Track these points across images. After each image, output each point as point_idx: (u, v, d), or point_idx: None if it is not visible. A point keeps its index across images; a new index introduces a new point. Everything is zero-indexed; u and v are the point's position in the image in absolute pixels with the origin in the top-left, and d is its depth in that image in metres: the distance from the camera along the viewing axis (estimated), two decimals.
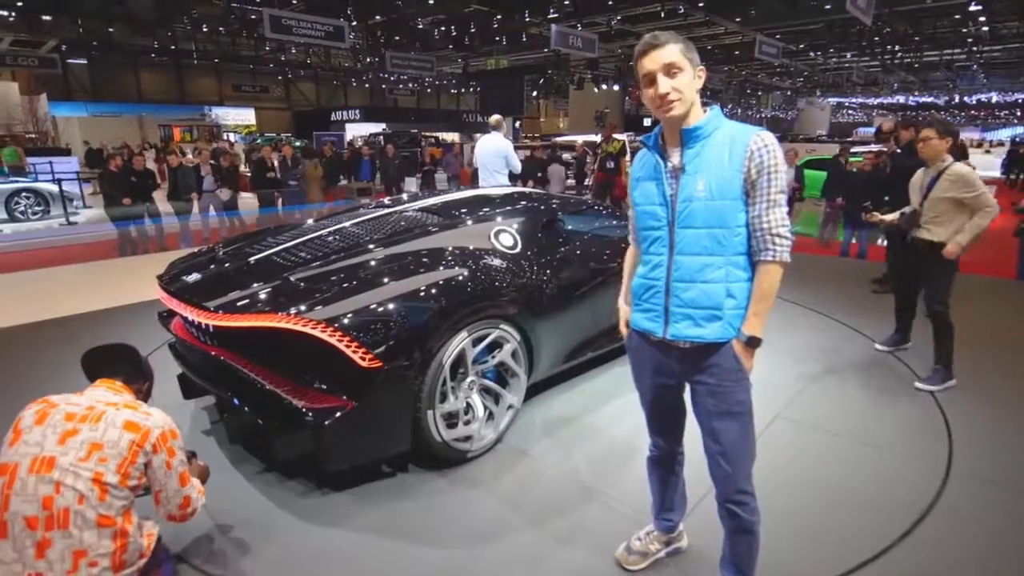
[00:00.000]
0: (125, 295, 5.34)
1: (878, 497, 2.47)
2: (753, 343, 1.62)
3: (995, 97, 37.22)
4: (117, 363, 1.93)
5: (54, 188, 11.28)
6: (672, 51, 1.54)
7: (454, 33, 21.39)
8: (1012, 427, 3.03)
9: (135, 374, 1.95)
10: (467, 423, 2.67)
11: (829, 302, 5.15)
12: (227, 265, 2.85)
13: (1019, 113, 42.11)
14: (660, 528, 2.07)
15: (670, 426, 1.91)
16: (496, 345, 2.75)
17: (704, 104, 1.65)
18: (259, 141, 22.61)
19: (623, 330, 1.89)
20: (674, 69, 1.54)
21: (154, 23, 22.17)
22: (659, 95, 1.55)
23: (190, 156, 9.65)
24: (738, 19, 18.23)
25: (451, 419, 2.61)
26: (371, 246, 2.84)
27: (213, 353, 2.56)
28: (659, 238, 1.66)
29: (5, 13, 19.37)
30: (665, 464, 1.97)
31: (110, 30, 23.47)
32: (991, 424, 3.07)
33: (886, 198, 4.84)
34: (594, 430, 3.01)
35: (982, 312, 4.90)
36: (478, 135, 9.12)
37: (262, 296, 2.44)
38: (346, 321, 2.26)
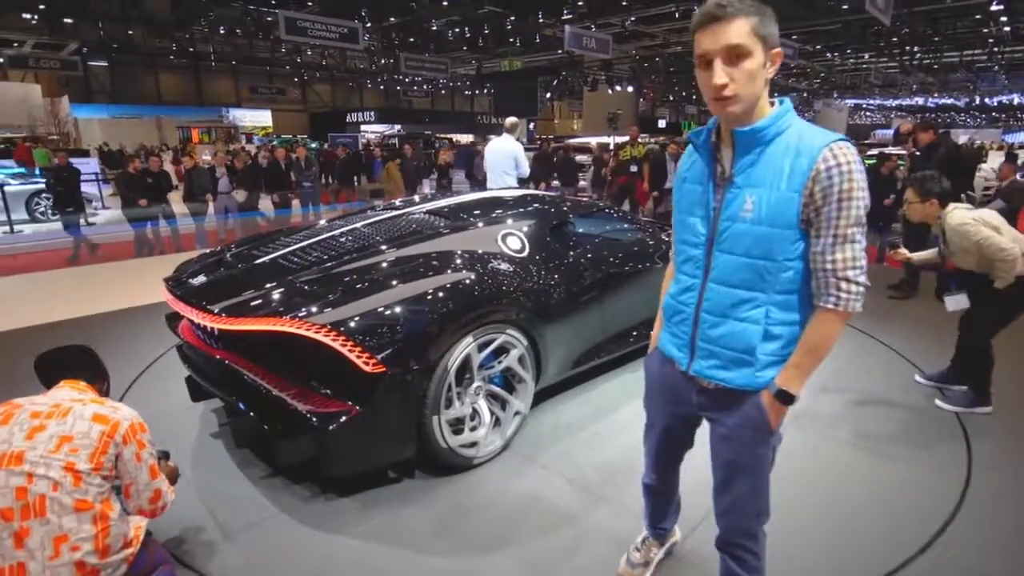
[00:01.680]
0: (139, 296, 5.39)
1: (894, 511, 2.40)
2: (784, 399, 1.35)
3: (1016, 99, 36.50)
4: (78, 366, 1.91)
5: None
6: (740, 28, 1.20)
7: (468, 35, 21.47)
8: None
9: (96, 376, 1.93)
10: (473, 429, 2.65)
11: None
12: (233, 268, 2.85)
13: None
14: (654, 536, 2.02)
15: (670, 463, 1.77)
16: (503, 350, 2.72)
17: (771, 97, 1.32)
18: (275, 143, 22.83)
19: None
20: (738, 53, 1.21)
21: (173, 26, 22.52)
22: (714, 85, 1.23)
23: (207, 157, 9.75)
24: None
25: (457, 425, 2.59)
26: (377, 249, 2.82)
27: (218, 356, 2.56)
28: (693, 257, 1.42)
29: (28, 16, 19.79)
30: (663, 493, 1.89)
31: (130, 33, 23.86)
32: (1011, 436, 2.98)
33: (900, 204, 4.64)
34: (602, 438, 2.97)
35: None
36: (492, 137, 9.12)
37: (267, 300, 2.43)
38: (351, 325, 2.25)
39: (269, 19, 19.70)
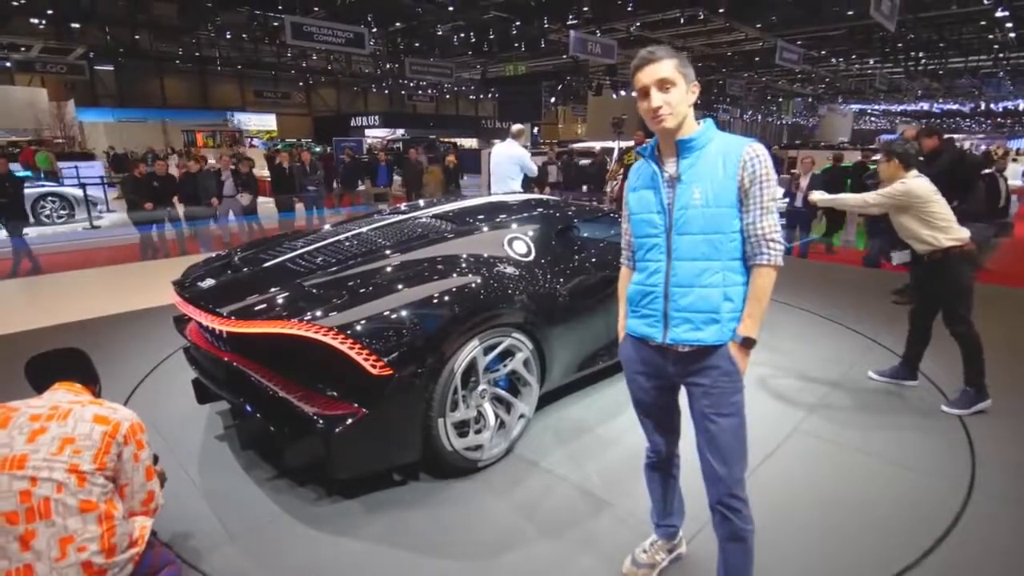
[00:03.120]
0: (144, 299, 5.42)
1: (897, 516, 2.40)
2: (748, 344, 1.67)
3: (1022, 104, 36.40)
4: (70, 368, 1.91)
5: (79, 192, 11.52)
6: (666, 66, 1.60)
7: (473, 39, 21.53)
8: None
9: (88, 378, 1.93)
10: (478, 432, 2.65)
11: (847, 312, 5.05)
12: (241, 271, 2.87)
13: None
14: (663, 536, 2.08)
15: (665, 427, 1.93)
16: (508, 354, 2.73)
17: (700, 117, 1.71)
18: (279, 147, 22.93)
19: None
20: (667, 84, 1.60)
21: (179, 30, 22.68)
22: (651, 108, 1.62)
23: (212, 161, 9.77)
24: (759, 25, 18.11)
25: (462, 428, 2.60)
26: (384, 252, 2.84)
27: (226, 359, 2.57)
28: (656, 245, 1.71)
29: (36, 21, 19.93)
30: (663, 468, 1.99)
31: (136, 37, 24.04)
32: (1015, 441, 2.97)
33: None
34: (606, 441, 2.97)
35: (1006, 325, 4.77)
36: (496, 141, 9.17)
37: (274, 302, 2.45)
38: (357, 328, 2.26)
39: (275, 24, 19.81)
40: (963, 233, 3.18)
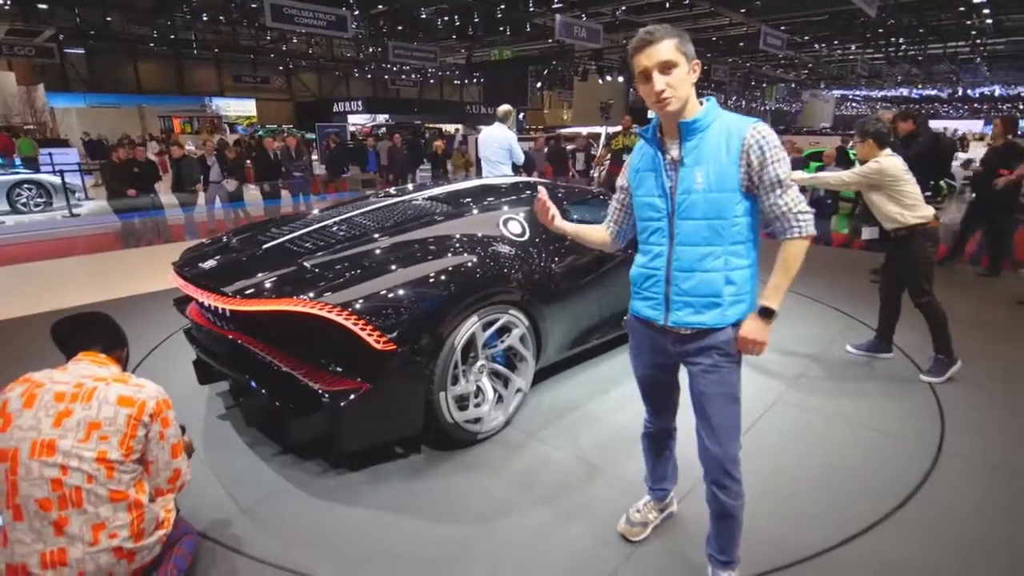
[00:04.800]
0: (128, 287, 5.40)
1: (871, 476, 2.55)
2: (766, 314, 1.65)
3: (998, 90, 37.06)
4: (94, 334, 1.85)
5: (56, 180, 11.29)
6: (667, 47, 1.56)
7: (457, 23, 21.32)
8: (1002, 409, 3.12)
9: (114, 342, 1.87)
10: (477, 405, 2.75)
11: (829, 292, 5.21)
12: (242, 252, 2.91)
13: (1022, 106, 41.93)
14: (655, 498, 2.19)
15: (663, 402, 2.00)
16: (505, 330, 2.82)
17: (701, 96, 1.68)
18: (260, 133, 22.59)
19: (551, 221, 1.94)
20: (669, 66, 1.57)
21: (152, 12, 22.11)
22: (654, 92, 1.59)
23: (192, 147, 9.66)
24: (743, 10, 18.19)
25: (462, 401, 2.69)
26: (384, 233, 2.90)
27: (230, 337, 2.62)
28: (659, 229, 1.70)
29: (1, 2, 19.29)
30: (659, 439, 2.07)
31: (108, 19, 23.40)
32: (982, 405, 3.16)
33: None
34: (599, 415, 3.08)
35: (973, 301, 4.97)
36: (481, 127, 9.17)
37: (278, 281, 2.50)
38: (361, 305, 2.32)
39: (253, 6, 19.44)
40: (928, 211, 3.35)
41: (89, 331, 1.85)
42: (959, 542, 2.14)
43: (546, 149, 11.60)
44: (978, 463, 2.64)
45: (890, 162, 3.31)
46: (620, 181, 1.90)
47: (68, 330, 1.84)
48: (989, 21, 18.42)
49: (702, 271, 1.65)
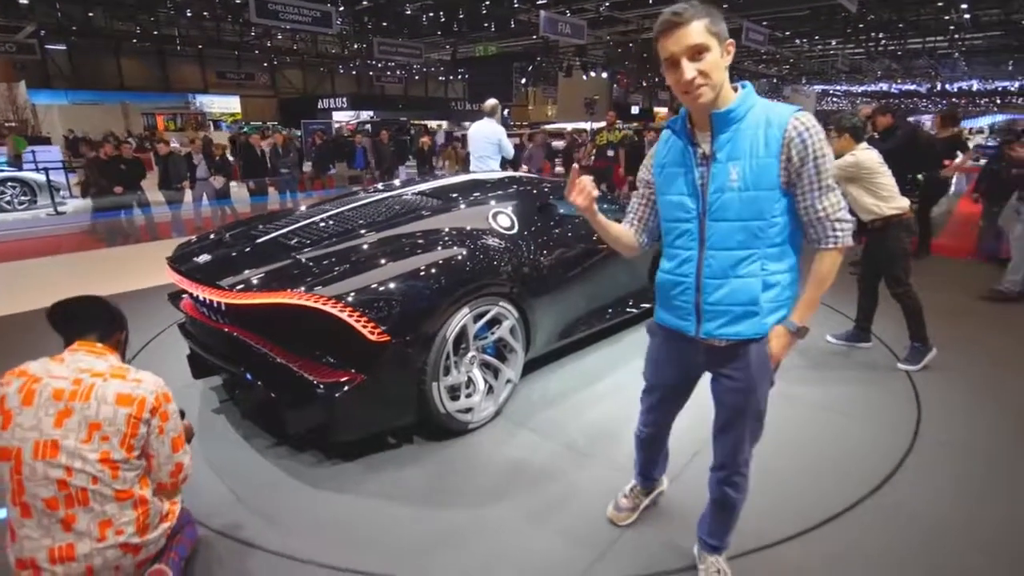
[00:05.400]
0: (117, 284, 5.38)
1: (850, 460, 2.65)
2: (801, 333, 1.54)
3: (976, 85, 37.67)
4: (88, 320, 1.79)
5: (41, 178, 11.17)
6: (696, 30, 1.36)
7: (442, 19, 21.29)
8: (975, 395, 3.25)
9: (110, 327, 1.82)
10: (469, 396, 2.81)
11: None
12: (235, 247, 2.95)
13: (999, 101, 42.68)
14: (643, 484, 2.21)
15: (672, 411, 1.93)
16: (495, 322, 2.89)
17: (735, 81, 1.50)
18: (245, 130, 22.37)
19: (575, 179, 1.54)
20: (700, 50, 1.38)
21: (135, 8, 21.84)
22: (684, 82, 1.40)
23: (176, 144, 9.60)
24: (725, 5, 18.32)
25: (454, 392, 2.75)
26: (376, 228, 2.95)
27: (225, 331, 2.67)
28: (688, 231, 1.54)
29: None
30: (657, 440, 2.04)
31: (90, 15, 23.06)
32: (956, 392, 3.28)
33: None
34: (588, 404, 3.16)
35: (950, 290, 5.12)
36: (467, 123, 9.24)
37: (273, 275, 2.55)
38: (355, 297, 2.38)
39: (238, 1, 19.27)
40: (904, 203, 3.47)
41: (85, 316, 1.80)
42: (932, 524, 2.24)
43: (531, 145, 11.67)
44: (952, 448, 2.75)
45: (866, 155, 3.42)
46: (643, 174, 1.73)
47: (64, 315, 1.80)
48: (967, 16, 18.74)
49: (736, 277, 1.50)
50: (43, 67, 25.96)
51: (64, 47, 26.40)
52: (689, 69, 1.39)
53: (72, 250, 7.47)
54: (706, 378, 1.78)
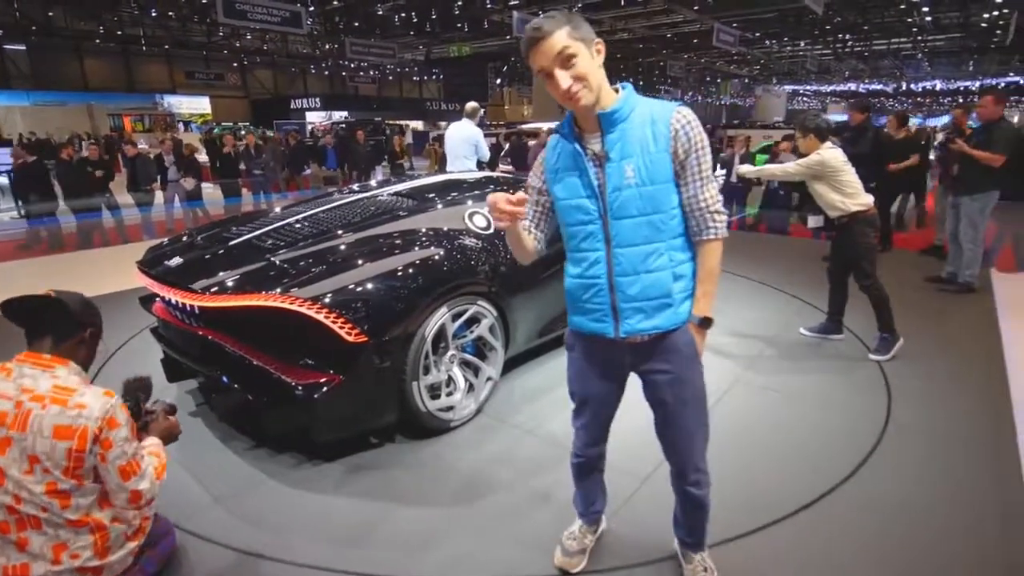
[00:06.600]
0: (85, 288, 5.24)
1: (823, 448, 2.72)
2: (706, 324, 1.58)
3: (939, 85, 38.82)
4: (38, 325, 1.62)
5: (3, 180, 10.82)
6: (559, 39, 1.39)
7: (415, 19, 21.18)
8: (941, 383, 3.36)
9: (66, 330, 1.63)
10: (449, 394, 2.82)
11: (783, 278, 5.46)
12: (208, 249, 2.91)
13: (960, 100, 44.02)
14: (588, 522, 2.06)
15: (605, 424, 1.85)
16: (474, 320, 2.89)
17: (615, 83, 1.53)
18: (216, 131, 21.97)
19: (502, 205, 1.44)
20: (568, 57, 1.40)
21: (98, 6, 21.26)
22: (564, 91, 1.43)
23: (145, 146, 9.38)
24: (696, 7, 18.59)
25: (434, 391, 2.75)
26: (352, 229, 2.93)
27: (200, 334, 2.63)
28: (592, 233, 1.55)
29: None
30: (593, 466, 1.94)
31: (50, 14, 22.41)
32: (924, 380, 3.39)
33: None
34: (566, 399, 3.10)
35: (911, 282, 5.30)
36: (443, 123, 9.24)
37: (247, 277, 2.52)
38: (332, 298, 2.36)
39: (204, 1, 18.91)
40: (868, 199, 3.58)
41: (35, 321, 1.63)
42: (905, 510, 2.30)
43: (508, 145, 11.70)
44: (921, 433, 2.84)
45: (831, 154, 3.52)
46: (533, 181, 1.70)
47: (17, 315, 1.64)
48: (928, 19, 19.32)
49: (647, 272, 1.52)
50: (2, 67, 25.17)
51: (23, 47, 25.59)
52: (564, 78, 1.41)
53: (39, 254, 7.28)
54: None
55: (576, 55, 1.40)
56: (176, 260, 2.80)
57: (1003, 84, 33.05)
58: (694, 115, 1.50)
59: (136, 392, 1.88)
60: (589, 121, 1.51)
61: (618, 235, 1.51)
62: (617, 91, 1.51)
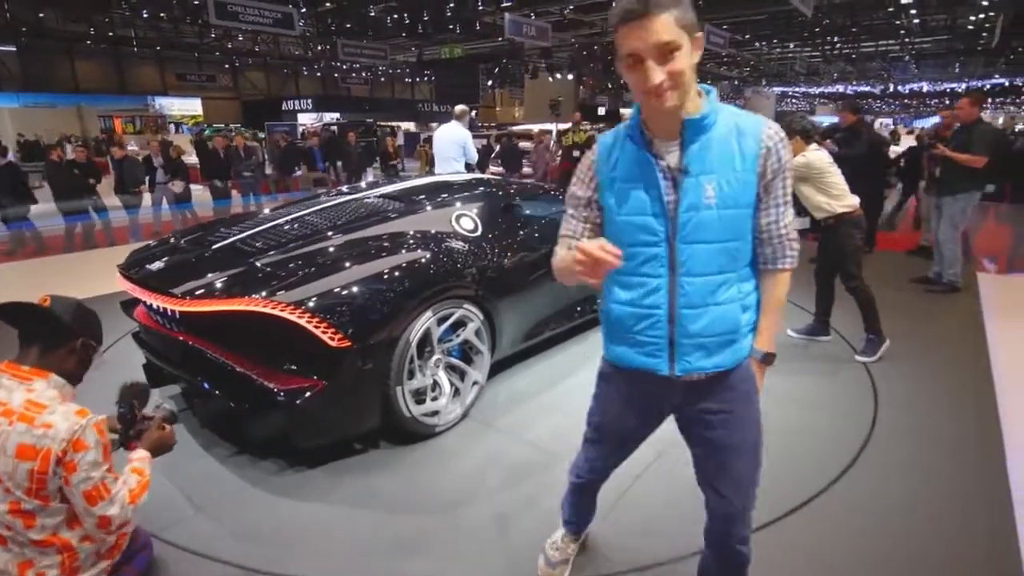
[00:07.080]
0: (70, 291, 5.19)
1: (811, 450, 2.72)
2: (769, 360, 1.42)
3: (926, 87, 39.13)
4: (31, 332, 1.59)
5: None
6: (665, 24, 1.13)
7: (407, 21, 21.15)
8: (926, 383, 3.37)
9: (53, 340, 1.59)
10: (434, 399, 2.80)
11: None
12: (190, 253, 2.88)
13: (947, 102, 44.44)
14: (571, 531, 1.99)
15: (623, 456, 1.69)
16: (460, 324, 2.88)
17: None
18: (207, 132, 21.84)
19: (597, 252, 1.11)
20: (669, 49, 1.15)
21: (89, 7, 21.12)
22: (651, 86, 1.17)
23: (134, 148, 9.30)
24: None
25: (419, 395, 2.73)
26: (337, 231, 2.91)
27: (181, 339, 2.60)
28: (655, 256, 1.32)
29: None
30: (594, 488, 1.83)
31: (40, 16, 22.25)
32: (911, 382, 3.40)
33: None
34: (554, 403, 3.18)
35: (895, 284, 5.33)
36: (435, 124, 9.24)
37: (229, 281, 2.50)
38: (315, 303, 2.34)
39: (196, 2, 18.82)
40: (853, 200, 3.60)
41: (26, 328, 1.60)
42: (892, 510, 2.31)
43: (498, 147, 11.70)
44: (909, 434, 2.85)
45: (816, 156, 3.54)
46: (579, 190, 1.45)
47: (8, 319, 1.61)
48: (916, 21, 19.48)
49: (715, 304, 1.32)
50: None
51: (13, 48, 25.39)
52: (657, 73, 1.16)
53: (24, 257, 7.21)
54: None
55: (678, 48, 1.15)
56: (158, 264, 2.77)
57: (988, 86, 33.38)
58: (781, 129, 1.32)
59: (131, 398, 1.84)
60: (667, 126, 1.27)
61: (688, 261, 1.29)
62: (700, 94, 1.30)
